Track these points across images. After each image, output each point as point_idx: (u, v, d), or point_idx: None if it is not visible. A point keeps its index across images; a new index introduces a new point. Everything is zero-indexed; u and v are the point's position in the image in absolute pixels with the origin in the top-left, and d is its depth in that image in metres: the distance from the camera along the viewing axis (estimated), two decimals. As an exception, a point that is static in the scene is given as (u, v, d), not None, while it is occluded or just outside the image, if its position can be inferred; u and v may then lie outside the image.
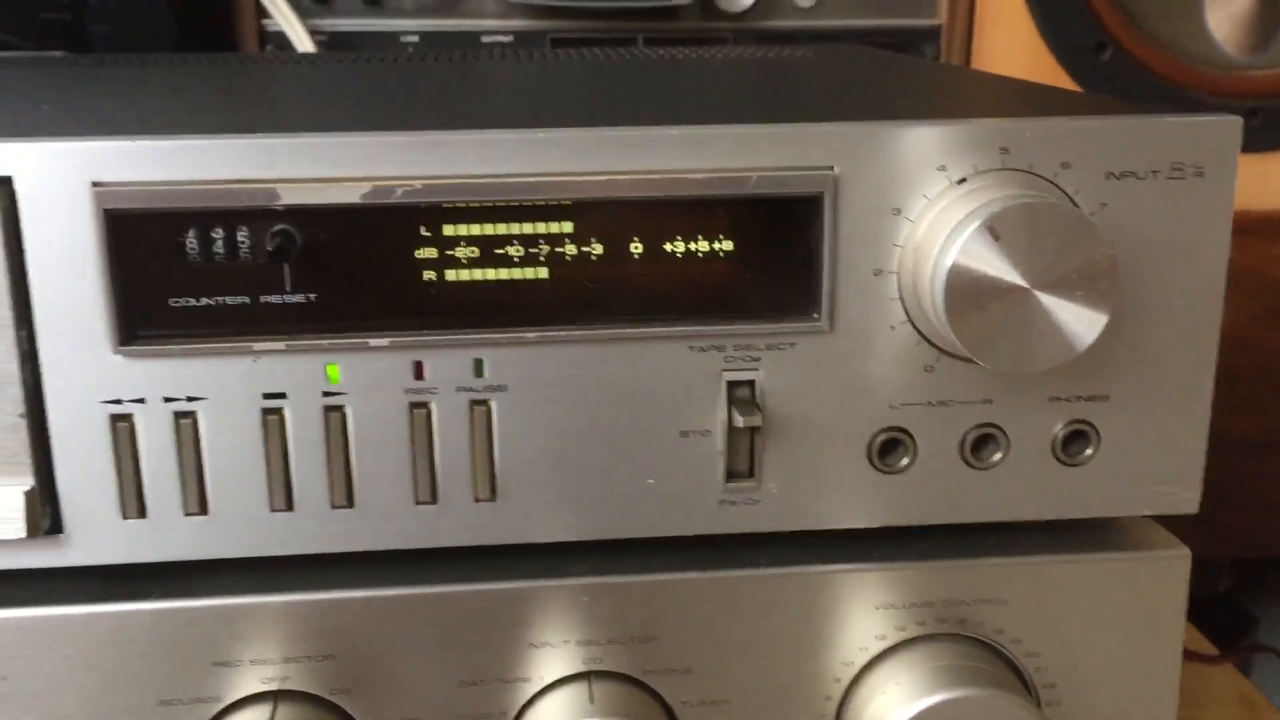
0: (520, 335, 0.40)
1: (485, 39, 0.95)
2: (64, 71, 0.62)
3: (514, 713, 0.43)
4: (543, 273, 0.40)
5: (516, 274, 0.40)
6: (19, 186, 0.37)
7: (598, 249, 0.40)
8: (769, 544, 0.43)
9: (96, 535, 0.40)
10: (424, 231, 0.39)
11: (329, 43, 0.91)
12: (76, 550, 0.40)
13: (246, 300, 0.39)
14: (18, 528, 0.39)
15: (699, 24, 0.96)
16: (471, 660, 0.43)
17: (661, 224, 0.40)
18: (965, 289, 0.38)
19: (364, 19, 0.93)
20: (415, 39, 0.94)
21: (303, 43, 0.89)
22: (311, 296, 0.39)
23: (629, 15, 0.94)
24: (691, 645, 0.43)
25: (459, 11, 0.94)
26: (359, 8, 0.93)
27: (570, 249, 0.40)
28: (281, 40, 0.90)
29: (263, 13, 0.90)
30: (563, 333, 0.40)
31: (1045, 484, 0.43)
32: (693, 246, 0.40)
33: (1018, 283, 0.38)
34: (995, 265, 0.38)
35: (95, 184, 0.37)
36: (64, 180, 0.37)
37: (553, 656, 0.43)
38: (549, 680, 0.43)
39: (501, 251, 0.39)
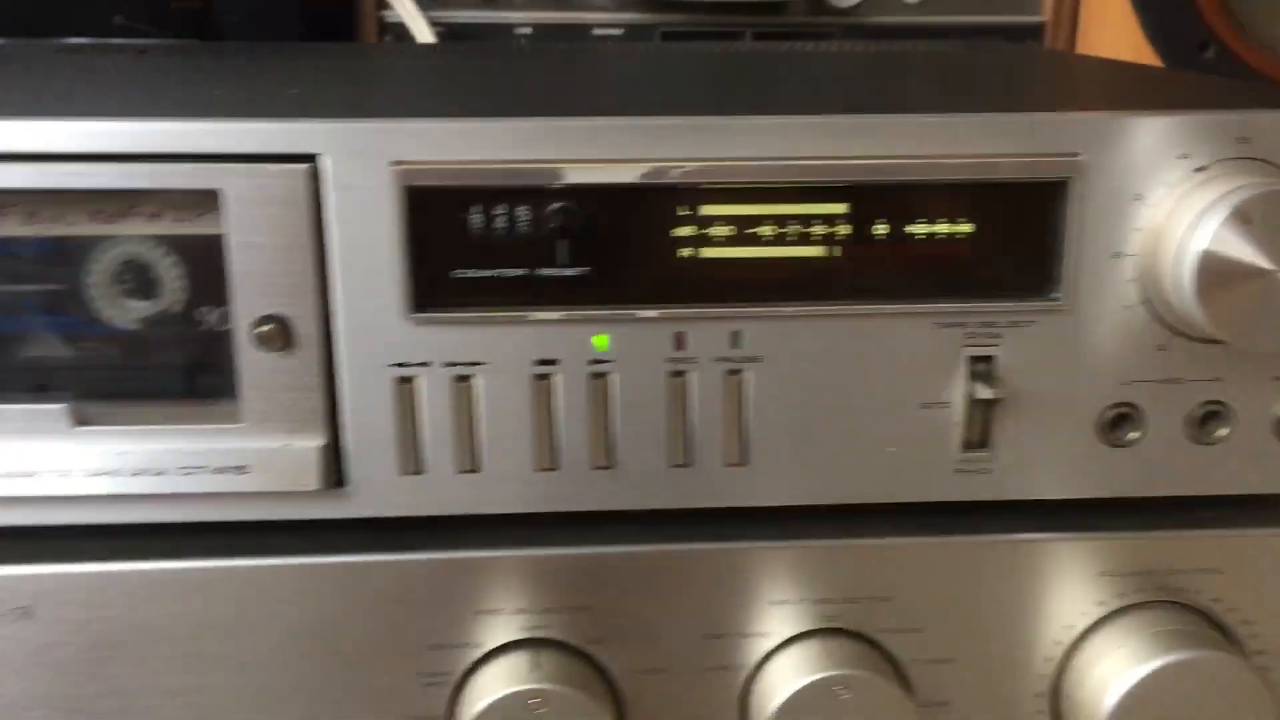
0: (778, 310, 0.42)
1: (596, 32, 0.97)
2: (223, 58, 0.65)
3: (753, 665, 0.46)
4: (799, 251, 0.42)
5: (775, 252, 0.42)
6: (324, 164, 0.40)
7: (851, 229, 0.42)
8: (999, 512, 0.45)
9: (377, 490, 0.43)
10: (692, 210, 0.41)
11: (445, 34, 0.93)
12: (359, 503, 0.43)
13: (524, 272, 0.42)
14: (311, 481, 0.42)
15: (806, 19, 0.97)
16: (715, 615, 0.45)
17: (913, 206, 0.42)
18: (1216, 272, 0.40)
19: (479, 11, 0.95)
20: (528, 31, 0.96)
21: (423, 33, 0.91)
22: (584, 270, 0.42)
23: (738, 10, 0.96)
24: (924, 606, 0.45)
25: (571, 4, 0.96)
26: (474, 0, 0.95)
27: (825, 229, 0.42)
28: (399, 31, 0.92)
29: (381, 4, 0.93)
30: (817, 308, 0.42)
31: (1265, 459, 0.45)
32: (941, 228, 0.42)
33: (1267, 266, 0.39)
34: (1245, 250, 0.39)
35: (395, 162, 0.40)
36: (366, 158, 0.40)
37: (791, 614, 0.45)
38: (786, 636, 0.45)
39: (759, 231, 0.42)
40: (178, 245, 0.42)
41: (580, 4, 0.96)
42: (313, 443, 0.42)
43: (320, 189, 0.40)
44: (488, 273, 0.41)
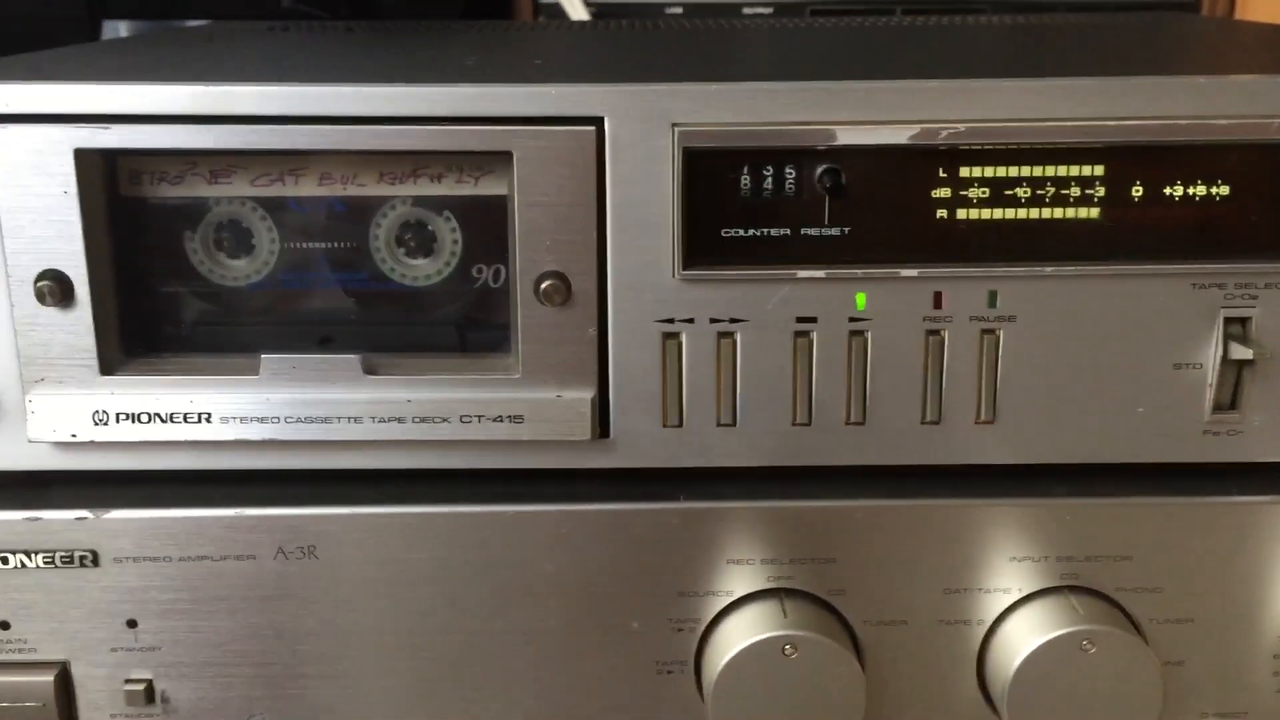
0: (1035, 269, 0.43)
1: (746, 10, 0.98)
2: (426, 35, 0.67)
3: (991, 620, 0.47)
4: (1057, 212, 0.43)
5: (1033, 213, 0.43)
6: (608, 126, 0.42)
7: (1109, 190, 0.43)
8: (1242, 474, 0.46)
9: (639, 441, 0.45)
10: (953, 171, 0.42)
11: (598, 13, 0.95)
12: (622, 454, 0.45)
13: (788, 232, 0.43)
14: (583, 431, 0.44)
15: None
16: (956, 570, 0.46)
17: (1172, 167, 0.42)
18: None
19: None
20: (679, 10, 0.97)
21: (576, 10, 0.93)
22: (846, 230, 0.43)
23: None
24: (1163, 566, 0.46)
25: None
26: None
27: (1083, 190, 0.43)
28: (552, 10, 0.94)
29: None
30: (1074, 268, 0.43)
31: None
32: (1199, 189, 0.43)
33: None
34: None
35: (676, 124, 0.42)
36: (649, 121, 0.42)
37: (1031, 570, 0.46)
38: (1026, 591, 0.46)
39: (1018, 192, 0.43)
40: (459, 206, 0.45)
41: (730, -18, 0.97)
42: (584, 394, 0.44)
43: (603, 150, 0.42)
44: (755, 232, 0.43)
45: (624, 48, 0.59)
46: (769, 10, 0.98)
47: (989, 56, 0.57)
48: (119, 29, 0.91)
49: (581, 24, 0.90)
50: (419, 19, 0.91)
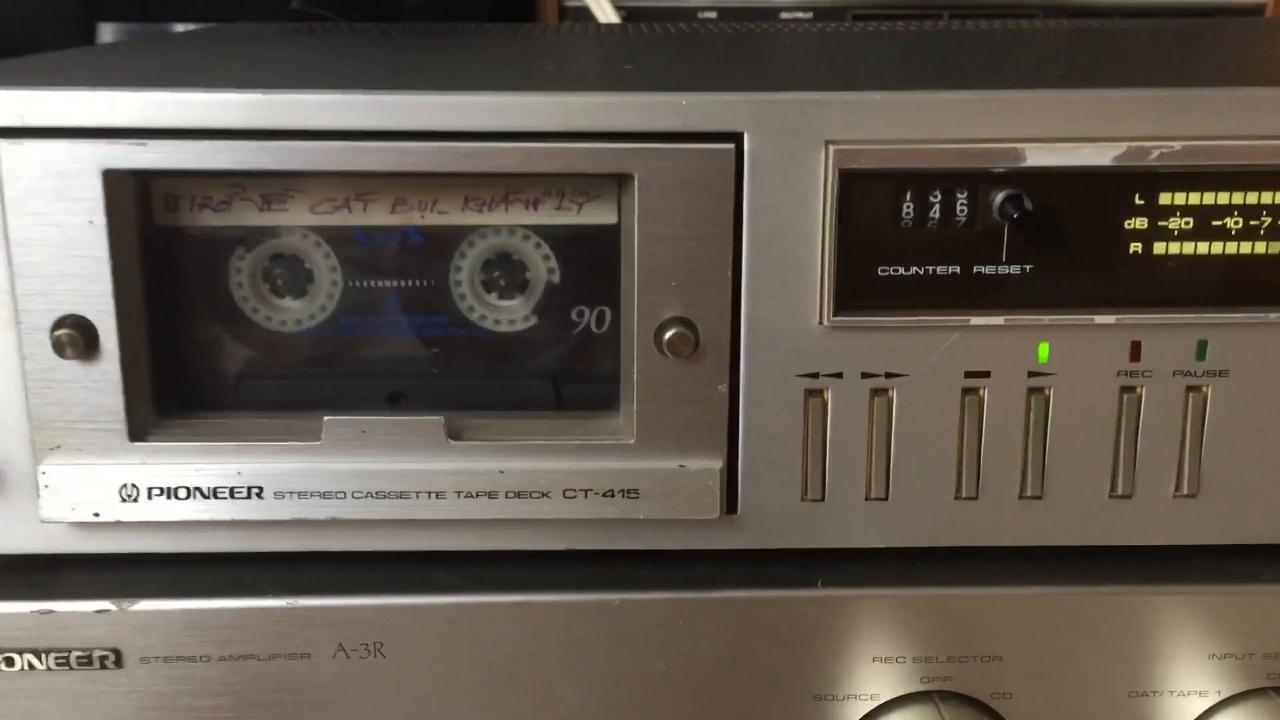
0: (1258, 316, 0.36)
1: (784, 15, 0.92)
2: (458, 38, 0.60)
3: (1183, 728, 0.40)
4: (1275, 248, 0.36)
5: (1245, 248, 0.36)
6: (749, 143, 0.35)
7: (1345, 221, 0.36)
8: None
9: (773, 517, 0.38)
10: (1157, 198, 0.35)
11: (626, 17, 0.90)
12: (751, 533, 0.38)
13: (958, 270, 0.36)
14: (711, 509, 0.37)
15: None
16: (1145, 670, 0.39)
17: None
18: None
19: None
20: (713, 15, 0.92)
21: (606, 14, 0.87)
22: (1028, 267, 0.36)
23: None
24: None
25: None
26: None
27: (1311, 221, 0.36)
28: (578, 14, 0.89)
29: None
30: (1299, 314, 0.36)
31: None
32: None
33: None
34: None
35: (830, 141, 0.35)
36: (798, 137, 0.35)
37: (1234, 670, 0.39)
38: (1226, 694, 0.39)
39: (1228, 222, 0.36)
40: (558, 237, 0.38)
41: (766, -14, 0.92)
42: (712, 464, 0.37)
43: (741, 172, 0.35)
44: (919, 270, 0.36)
45: (681, 52, 0.52)
46: (808, 15, 0.92)
47: (1099, 65, 0.50)
48: (110, 31, 0.84)
49: (614, 27, 0.84)
50: (441, 21, 0.85)
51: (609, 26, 0.82)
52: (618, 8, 0.89)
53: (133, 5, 0.86)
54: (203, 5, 0.85)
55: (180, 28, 0.83)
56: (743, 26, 0.69)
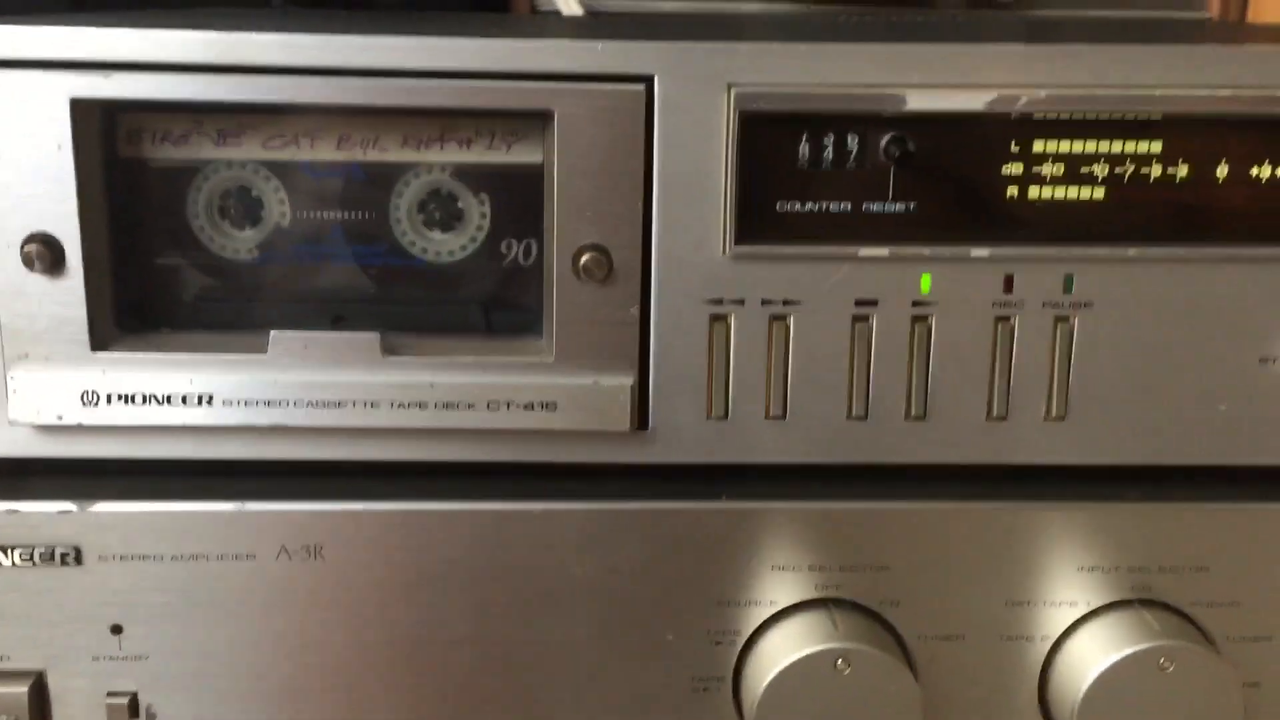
0: (1118, 252, 0.40)
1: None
2: (417, 18, 0.63)
3: (1057, 636, 0.43)
4: (1136, 192, 0.40)
5: (1110, 192, 0.40)
6: (659, 85, 0.38)
7: (1200, 167, 0.40)
8: (1326, 479, 0.43)
9: (681, 434, 0.42)
10: (1030, 144, 0.39)
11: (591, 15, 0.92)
12: (661, 448, 0.42)
13: (849, 207, 0.40)
14: (623, 421, 0.41)
15: (962, 11, 0.95)
16: (1021, 580, 0.43)
17: (1270, 141, 0.39)
18: None
19: (630, 1, 0.94)
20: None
21: (571, 8, 0.90)
22: (911, 205, 0.40)
23: (896, 3, 0.94)
24: (1241, 579, 0.43)
25: None
26: None
27: (1168, 167, 0.40)
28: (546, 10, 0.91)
29: None
30: (1158, 251, 0.40)
31: None
32: (1290, 170, 0.40)
33: None
34: None
35: (733, 84, 0.38)
36: (703, 80, 0.38)
37: (1101, 582, 0.43)
38: (1095, 605, 0.43)
39: (1093, 169, 0.40)
40: (488, 175, 0.41)
41: (730, -7, 0.95)
42: (623, 380, 0.40)
43: (652, 112, 0.39)
44: (813, 206, 0.40)
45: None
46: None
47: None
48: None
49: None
50: (417, 10, 0.88)
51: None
52: (584, 7, 0.92)
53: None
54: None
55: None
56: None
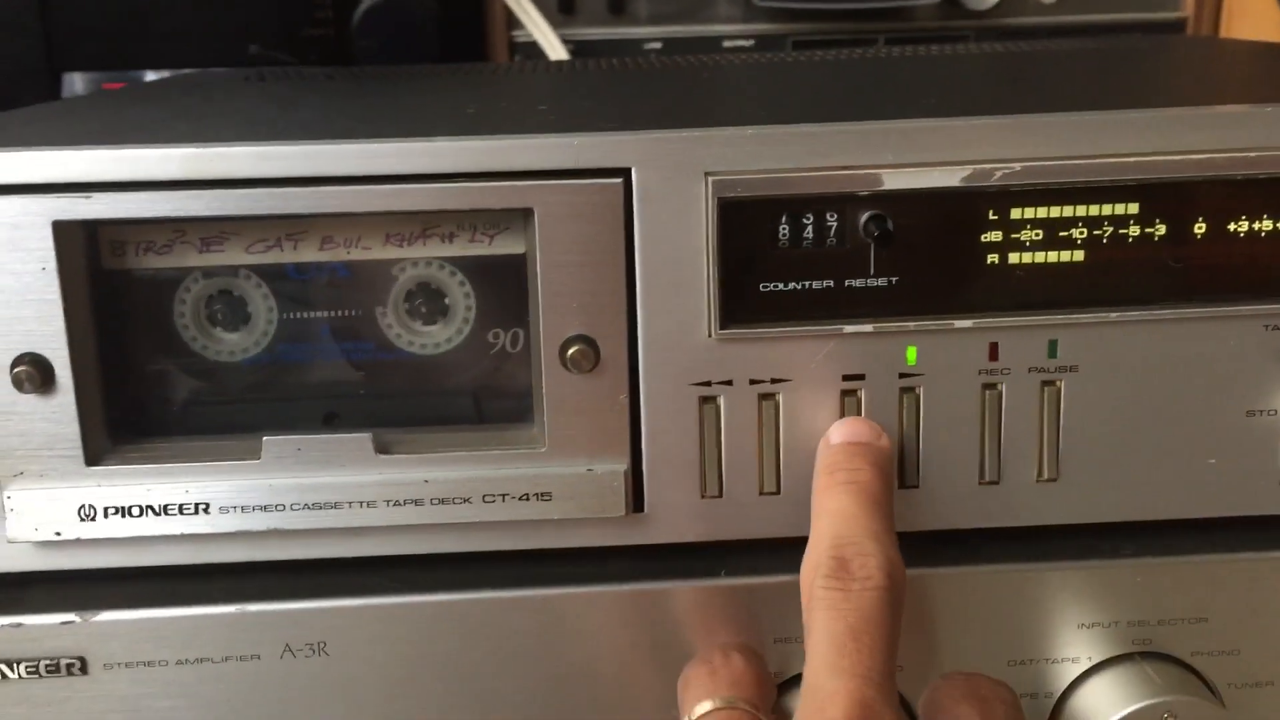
0: (1101, 316, 0.40)
1: (726, 44, 0.95)
2: (414, 81, 0.64)
3: (1059, 692, 0.43)
4: (1116, 254, 0.40)
5: (1089, 256, 0.40)
6: (637, 177, 0.39)
7: (1176, 228, 0.40)
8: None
9: (676, 514, 0.42)
10: (1006, 213, 0.40)
11: (575, 51, 0.92)
12: (657, 529, 0.42)
13: (831, 284, 0.40)
14: (617, 507, 0.41)
15: (940, 23, 0.95)
16: (1020, 640, 0.43)
17: (1242, 200, 0.40)
18: None
19: (608, 28, 0.94)
20: (658, 46, 0.94)
21: (555, 50, 0.90)
22: (893, 280, 0.40)
23: (870, 16, 0.94)
24: (1241, 627, 0.43)
25: (700, 18, 0.94)
26: (603, 16, 0.94)
27: (1144, 229, 0.40)
28: (529, 50, 0.91)
29: (513, 24, 0.92)
30: (1138, 313, 0.40)
31: None
32: (1269, 224, 0.40)
33: None
34: None
35: (709, 173, 0.39)
36: (681, 171, 0.39)
37: (1101, 637, 0.43)
38: (1096, 660, 0.43)
39: (1074, 234, 0.40)
40: (472, 267, 0.41)
41: (708, 16, 0.95)
42: (616, 466, 0.41)
43: (631, 203, 0.39)
44: (796, 285, 0.40)
45: (599, 90, 0.56)
46: (750, 43, 0.95)
47: (1011, 89, 0.54)
48: (76, 81, 0.87)
49: (560, 64, 0.87)
50: (394, 63, 0.88)
51: (556, 64, 0.86)
52: (566, 42, 0.92)
53: (99, 55, 0.89)
54: (167, 53, 0.88)
55: (151, 75, 0.85)
56: (684, 60, 0.73)
